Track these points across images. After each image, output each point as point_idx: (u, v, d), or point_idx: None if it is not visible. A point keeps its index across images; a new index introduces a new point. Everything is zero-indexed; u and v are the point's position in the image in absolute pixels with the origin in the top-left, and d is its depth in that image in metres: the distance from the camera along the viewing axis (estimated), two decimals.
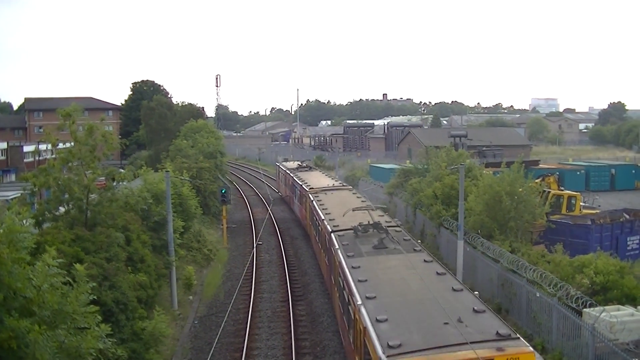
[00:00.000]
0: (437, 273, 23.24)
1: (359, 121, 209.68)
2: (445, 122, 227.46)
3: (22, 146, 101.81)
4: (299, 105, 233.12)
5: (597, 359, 23.39)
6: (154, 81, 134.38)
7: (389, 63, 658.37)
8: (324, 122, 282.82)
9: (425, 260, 25.27)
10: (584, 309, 25.46)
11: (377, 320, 18.75)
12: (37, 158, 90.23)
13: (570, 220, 42.39)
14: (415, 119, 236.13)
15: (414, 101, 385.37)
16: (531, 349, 17.00)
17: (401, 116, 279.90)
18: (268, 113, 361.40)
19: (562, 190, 50.43)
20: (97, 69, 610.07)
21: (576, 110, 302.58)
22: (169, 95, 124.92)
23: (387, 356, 16.62)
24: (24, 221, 16.56)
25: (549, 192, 47.30)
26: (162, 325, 27.79)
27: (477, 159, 77.80)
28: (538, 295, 28.23)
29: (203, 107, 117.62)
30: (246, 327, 32.53)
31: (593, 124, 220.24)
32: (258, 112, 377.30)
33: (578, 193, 51.44)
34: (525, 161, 46.56)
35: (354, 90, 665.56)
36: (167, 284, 35.85)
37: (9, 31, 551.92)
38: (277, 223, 61.82)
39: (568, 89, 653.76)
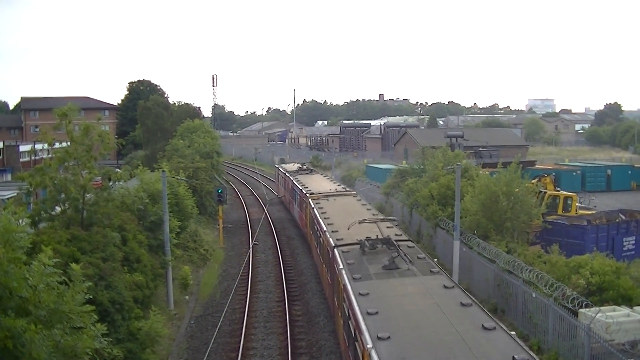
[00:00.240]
0: (462, 304, 19.49)
1: (356, 121, 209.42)
2: (441, 122, 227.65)
3: (18, 146, 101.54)
4: (296, 105, 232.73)
5: None
6: (150, 81, 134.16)
7: (386, 63, 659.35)
8: (320, 122, 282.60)
9: (445, 286, 21.51)
10: (580, 310, 25.50)
11: None
12: (33, 157, 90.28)
13: (566, 221, 42.45)
14: (411, 119, 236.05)
15: (410, 101, 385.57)
16: None
17: (398, 116, 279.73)
18: (264, 113, 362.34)
19: (558, 190, 50.47)
20: (94, 69, 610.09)
21: (572, 111, 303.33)
22: (166, 95, 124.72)
23: None
24: (20, 221, 16.50)
25: (545, 192, 47.34)
26: (158, 325, 27.74)
27: (474, 160, 77.96)
28: (534, 295, 28.27)
29: (199, 107, 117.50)
30: (242, 327, 32.49)
31: (589, 125, 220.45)
32: (254, 112, 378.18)
33: (574, 194, 51.53)
34: (521, 162, 46.59)
35: (351, 90, 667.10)
36: (163, 283, 35.82)
37: (6, 31, 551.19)
38: (274, 223, 61.81)
39: (564, 90, 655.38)
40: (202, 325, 33.95)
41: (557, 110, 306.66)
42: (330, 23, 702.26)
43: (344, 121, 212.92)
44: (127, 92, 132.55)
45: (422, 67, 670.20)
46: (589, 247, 37.44)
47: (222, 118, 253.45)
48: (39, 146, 68.82)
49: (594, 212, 48.78)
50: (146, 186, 37.73)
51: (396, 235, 29.87)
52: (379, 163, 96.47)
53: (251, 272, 43.33)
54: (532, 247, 38.00)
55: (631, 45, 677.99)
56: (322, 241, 35.20)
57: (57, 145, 32.37)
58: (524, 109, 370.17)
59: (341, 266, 25.55)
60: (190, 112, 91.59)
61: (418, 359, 16.08)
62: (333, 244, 29.31)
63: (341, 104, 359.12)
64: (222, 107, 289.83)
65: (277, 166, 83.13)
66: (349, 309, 21.91)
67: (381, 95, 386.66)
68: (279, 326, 33.25)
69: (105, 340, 15.89)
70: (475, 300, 20.45)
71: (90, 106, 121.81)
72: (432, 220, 45.00)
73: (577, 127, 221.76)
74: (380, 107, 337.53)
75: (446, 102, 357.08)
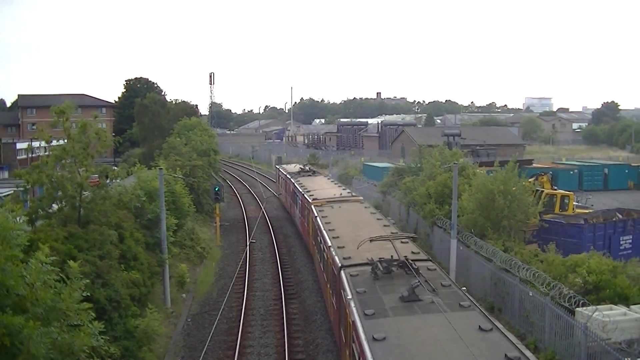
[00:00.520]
0: (507, 357, 15.18)
1: (353, 120, 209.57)
2: (439, 121, 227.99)
3: (15, 143, 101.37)
4: (293, 103, 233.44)
5: (589, 358, 23.44)
6: (147, 79, 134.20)
7: (383, 62, 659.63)
8: (317, 121, 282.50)
9: (481, 328, 17.15)
10: (577, 309, 25.51)
11: None
12: (30, 155, 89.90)
13: (563, 220, 42.45)
14: (409, 118, 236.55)
15: (407, 100, 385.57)
16: None
17: (395, 115, 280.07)
18: (262, 111, 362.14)
19: (555, 189, 50.47)
20: (91, 66, 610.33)
21: (570, 110, 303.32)
22: (163, 93, 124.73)
23: None
24: (17, 218, 16.51)
25: (542, 191, 47.35)
26: (155, 323, 27.77)
27: (471, 158, 78.05)
28: (531, 294, 28.29)
29: (197, 105, 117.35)
30: (239, 325, 32.46)
31: (586, 124, 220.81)
32: (252, 110, 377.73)
33: (571, 192, 51.51)
34: (518, 160, 46.61)
35: (348, 88, 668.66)
36: (160, 281, 35.79)
37: (3, 29, 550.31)
38: (271, 221, 61.76)
39: (562, 89, 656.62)
40: (199, 323, 33.92)
41: (555, 109, 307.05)
42: (327, 21, 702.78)
43: (341, 119, 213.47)
44: (124, 90, 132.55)
45: (420, 66, 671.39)
46: (585, 246, 37.45)
47: (219, 116, 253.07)
48: (36, 144, 68.50)
49: (591, 211, 48.80)
50: (143, 184, 37.67)
51: (413, 253, 25.80)
52: (376, 161, 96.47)
53: (248, 270, 43.32)
54: (529, 245, 37.98)
55: (628, 44, 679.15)
56: (326, 257, 30.73)
57: (54, 142, 32.31)
58: (521, 107, 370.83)
59: (349, 295, 21.25)
60: (188, 110, 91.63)
61: None
62: (339, 264, 25.18)
63: (338, 102, 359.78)
64: (220, 105, 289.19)
65: (277, 167, 79.76)
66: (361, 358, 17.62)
67: (378, 94, 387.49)
68: (276, 324, 33.23)
69: (102, 338, 15.90)
70: (522, 350, 16.80)
71: (87, 104, 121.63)
72: (429, 218, 45.00)
73: (575, 125, 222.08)
74: (378, 106, 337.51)
75: (443, 101, 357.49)
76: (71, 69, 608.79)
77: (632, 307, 26.62)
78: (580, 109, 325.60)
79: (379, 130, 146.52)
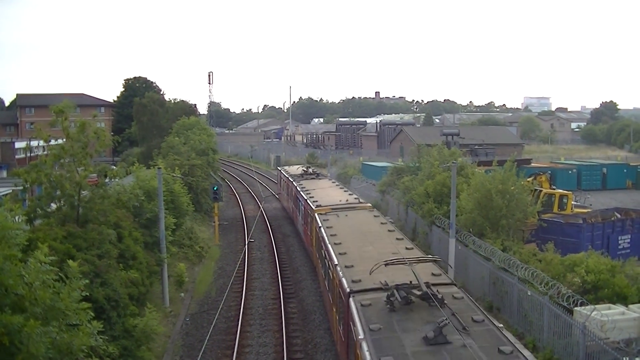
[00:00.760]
0: None
1: (352, 119, 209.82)
2: (437, 120, 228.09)
3: (13, 142, 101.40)
4: (292, 102, 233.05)
5: (588, 358, 23.46)
6: (146, 78, 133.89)
7: (382, 61, 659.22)
8: (316, 120, 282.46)
9: None
10: (575, 308, 25.54)
11: None
12: (28, 154, 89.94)
13: (561, 219, 42.53)
14: (407, 117, 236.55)
15: (406, 99, 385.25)
16: None
17: (393, 114, 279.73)
18: (260, 110, 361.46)
19: (553, 189, 50.57)
20: (90, 66, 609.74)
21: (568, 109, 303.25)
22: (162, 92, 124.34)
23: None
24: (16, 218, 16.52)
25: (541, 190, 47.42)
26: (154, 322, 27.75)
27: (469, 158, 77.91)
28: (529, 293, 28.31)
29: (195, 104, 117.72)
30: (238, 325, 32.50)
31: (585, 123, 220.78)
32: (250, 110, 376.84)
33: (570, 192, 51.61)
34: (517, 160, 46.65)
35: (347, 88, 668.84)
36: (159, 281, 35.77)
37: (2, 28, 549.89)
38: (269, 220, 61.75)
39: (560, 88, 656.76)
40: (198, 323, 33.93)
41: (553, 109, 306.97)
42: (326, 20, 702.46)
43: (340, 119, 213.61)
44: (123, 89, 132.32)
45: (418, 65, 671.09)
46: (584, 245, 37.49)
47: (218, 115, 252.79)
48: (34, 143, 68.53)
49: (589, 210, 48.91)
50: (142, 183, 37.68)
51: (434, 275, 22.39)
52: (375, 161, 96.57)
53: (247, 270, 43.31)
54: (527, 245, 38.04)
55: (627, 43, 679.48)
56: (332, 276, 27.00)
57: (52, 142, 32.33)
58: (519, 107, 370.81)
59: (361, 334, 17.53)
60: (186, 109, 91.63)
61: None
62: (348, 289, 21.49)
63: (337, 101, 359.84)
64: (218, 105, 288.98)
65: (279, 168, 76.04)
66: None
67: (377, 93, 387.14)
68: (275, 323, 33.24)
69: (100, 337, 15.90)
70: None
71: (86, 103, 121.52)
72: (427, 218, 45.04)
73: (573, 125, 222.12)
74: (376, 105, 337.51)
75: (442, 100, 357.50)
76: (70, 68, 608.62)
77: (631, 306, 26.67)
78: (579, 109, 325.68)
79: (378, 129, 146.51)
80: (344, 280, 22.76)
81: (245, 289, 38.91)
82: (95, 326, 15.51)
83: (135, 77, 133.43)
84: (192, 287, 40.46)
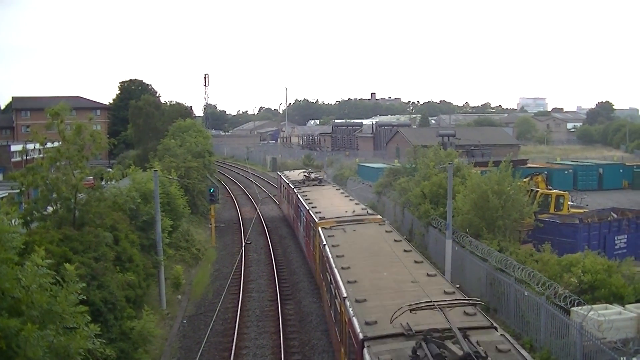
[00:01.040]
0: None
1: (348, 120, 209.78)
2: (433, 121, 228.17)
3: (9, 145, 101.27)
4: (288, 104, 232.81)
5: (585, 358, 23.49)
6: (142, 80, 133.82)
7: (378, 62, 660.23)
8: (312, 122, 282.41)
9: None
10: (572, 308, 25.60)
11: None
12: (24, 157, 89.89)
13: (558, 220, 42.58)
14: (403, 119, 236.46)
15: (402, 100, 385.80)
16: None
17: (389, 115, 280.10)
18: (256, 112, 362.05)
19: (550, 189, 50.56)
20: (85, 68, 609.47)
21: (564, 110, 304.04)
22: (157, 95, 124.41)
23: None
24: (12, 221, 16.49)
25: (537, 191, 47.45)
26: (151, 324, 27.70)
27: (466, 158, 78.01)
28: (526, 294, 28.34)
29: (191, 107, 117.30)
30: (235, 327, 32.45)
31: (581, 124, 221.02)
32: (246, 112, 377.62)
33: (566, 192, 51.63)
34: (513, 160, 46.72)
35: (343, 89, 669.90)
36: (156, 283, 35.76)
37: None
38: (266, 222, 61.72)
39: (556, 89, 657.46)
40: (195, 325, 33.89)
41: (549, 109, 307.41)
42: (322, 22, 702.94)
43: (336, 120, 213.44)
44: (119, 92, 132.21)
45: (414, 66, 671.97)
46: (580, 245, 37.52)
47: (214, 117, 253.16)
48: (30, 146, 68.64)
49: (585, 210, 48.96)
50: (138, 186, 37.67)
51: (466, 315, 18.00)
52: (371, 162, 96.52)
53: (243, 272, 43.26)
54: (524, 245, 38.07)
55: (623, 44, 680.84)
56: (339, 309, 22.83)
57: (48, 144, 32.29)
58: (515, 107, 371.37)
59: None
60: (182, 111, 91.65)
61: None
62: (361, 335, 17.24)
63: (333, 103, 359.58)
64: (214, 107, 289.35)
65: (279, 173, 71.82)
66: None
67: (373, 94, 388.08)
68: (272, 325, 33.20)
69: (98, 340, 15.87)
70: None
71: (81, 106, 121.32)
72: (424, 219, 45.07)
73: (569, 125, 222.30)
74: (372, 106, 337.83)
75: (438, 101, 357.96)
76: (66, 71, 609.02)
77: (627, 306, 26.74)
78: (575, 109, 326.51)
79: (374, 130, 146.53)
80: (355, 321, 18.36)
81: (242, 290, 38.86)
82: (92, 329, 15.49)
83: (130, 80, 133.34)
84: (189, 290, 40.42)
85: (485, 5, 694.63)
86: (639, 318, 25.77)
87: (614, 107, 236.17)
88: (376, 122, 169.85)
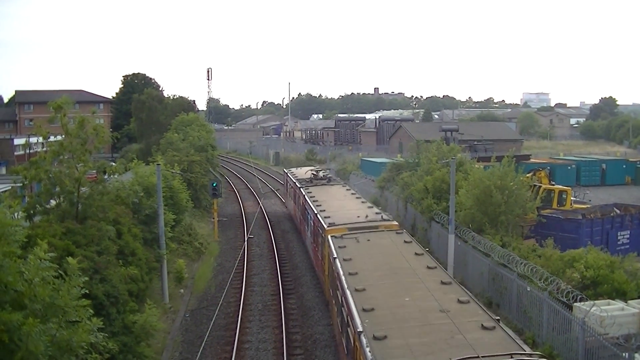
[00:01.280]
0: None
1: (351, 115, 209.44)
2: (436, 116, 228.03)
3: (12, 139, 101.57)
4: (291, 98, 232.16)
5: (587, 353, 23.47)
6: (145, 74, 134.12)
7: (381, 57, 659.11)
8: (315, 116, 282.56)
9: None
10: (575, 304, 25.57)
11: None
12: (27, 151, 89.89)
13: (561, 215, 42.51)
14: (406, 113, 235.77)
15: (405, 95, 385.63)
16: None
17: (392, 110, 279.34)
18: (259, 106, 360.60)
19: (553, 184, 50.50)
20: (88, 62, 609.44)
21: (567, 105, 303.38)
22: (160, 89, 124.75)
23: None
24: (15, 214, 16.51)
25: (540, 186, 47.37)
26: (153, 318, 27.71)
27: (468, 153, 77.90)
28: (529, 289, 28.31)
29: (194, 101, 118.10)
30: (237, 321, 32.50)
31: (584, 119, 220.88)
32: (249, 106, 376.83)
33: (569, 188, 51.58)
34: (516, 156, 46.66)
35: (346, 83, 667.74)
36: (158, 277, 35.79)
37: (1, 25, 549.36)
38: (268, 216, 61.72)
39: (559, 84, 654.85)
40: (197, 319, 33.93)
41: (552, 104, 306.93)
42: (325, 16, 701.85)
43: (339, 115, 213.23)
44: (122, 86, 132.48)
45: (418, 61, 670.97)
46: (583, 241, 37.52)
47: (217, 111, 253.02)
48: (33, 139, 68.50)
49: (588, 206, 48.91)
50: (141, 180, 37.70)
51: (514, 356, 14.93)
52: (374, 157, 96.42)
53: (246, 266, 43.28)
54: (526, 241, 38.03)
55: (626, 39, 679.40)
56: (352, 343, 19.06)
57: (51, 138, 32.28)
58: (518, 102, 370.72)
59: None
60: (185, 105, 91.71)
61: None
62: None
63: (336, 97, 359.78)
64: (217, 101, 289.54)
65: (285, 170, 66.73)
66: None
67: (376, 89, 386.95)
68: (274, 319, 33.24)
69: (100, 334, 15.89)
70: None
71: (84, 99, 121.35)
72: (426, 214, 45.02)
73: (572, 121, 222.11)
74: (375, 101, 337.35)
75: (441, 96, 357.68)
76: (69, 64, 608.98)
77: (630, 302, 26.69)
78: (578, 104, 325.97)
79: (377, 125, 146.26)
80: None
81: (245, 285, 38.90)
82: (94, 323, 15.51)
83: (133, 74, 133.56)
84: (191, 283, 40.46)
85: (489, 1, 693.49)
86: None
87: (617, 102, 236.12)
88: (379, 116, 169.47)
